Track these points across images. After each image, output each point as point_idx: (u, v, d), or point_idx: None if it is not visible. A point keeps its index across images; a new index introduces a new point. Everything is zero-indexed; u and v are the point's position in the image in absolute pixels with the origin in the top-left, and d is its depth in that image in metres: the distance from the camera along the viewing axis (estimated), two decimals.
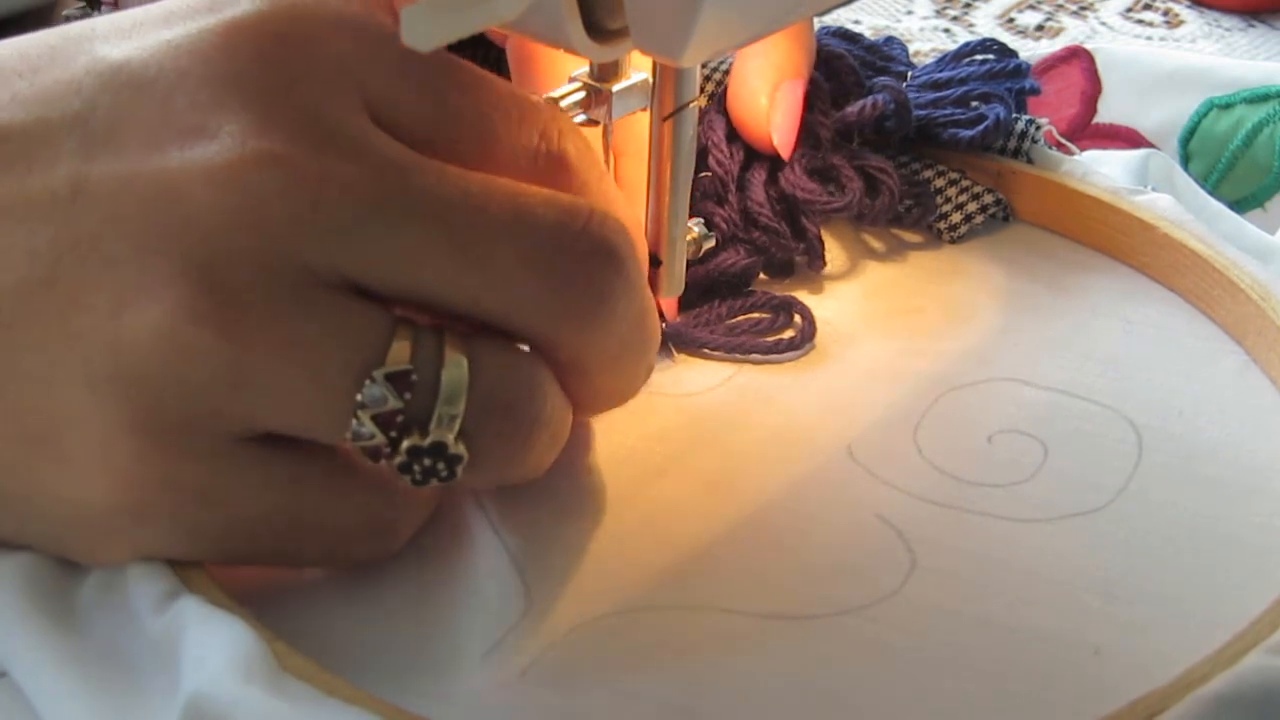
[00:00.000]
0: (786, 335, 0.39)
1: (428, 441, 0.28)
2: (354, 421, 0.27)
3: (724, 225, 0.41)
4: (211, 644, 0.26)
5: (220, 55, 0.27)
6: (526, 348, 0.30)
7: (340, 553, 0.30)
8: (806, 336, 0.39)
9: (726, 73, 0.43)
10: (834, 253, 0.42)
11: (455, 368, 0.28)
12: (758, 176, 0.41)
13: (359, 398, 0.27)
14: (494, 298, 0.28)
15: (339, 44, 0.28)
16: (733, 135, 0.42)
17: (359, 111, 0.28)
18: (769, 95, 0.40)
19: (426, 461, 0.28)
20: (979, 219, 0.43)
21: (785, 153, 0.40)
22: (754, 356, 0.39)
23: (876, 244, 0.44)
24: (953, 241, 0.44)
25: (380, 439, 0.27)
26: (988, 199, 0.43)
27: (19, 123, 0.27)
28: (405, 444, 0.28)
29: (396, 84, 0.28)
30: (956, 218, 0.43)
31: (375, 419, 0.27)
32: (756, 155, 0.42)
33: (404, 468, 0.28)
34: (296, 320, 0.26)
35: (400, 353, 0.27)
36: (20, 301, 0.26)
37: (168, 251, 0.26)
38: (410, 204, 0.27)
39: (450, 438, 0.28)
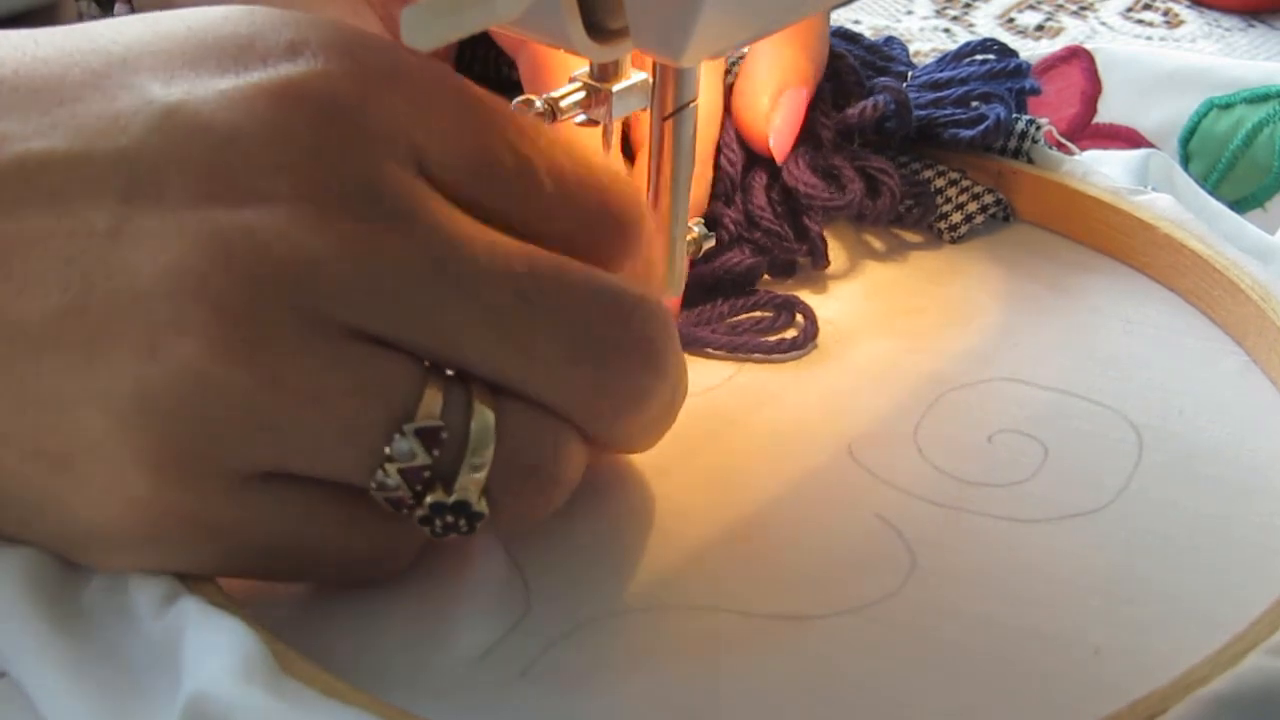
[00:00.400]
0: (789, 335, 0.39)
1: (451, 499, 0.28)
2: (380, 473, 0.27)
3: (731, 225, 0.41)
4: (212, 645, 0.26)
5: (275, 115, 0.27)
6: None
7: (344, 576, 0.30)
8: (809, 336, 0.39)
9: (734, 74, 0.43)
10: (835, 253, 0.42)
11: (481, 419, 0.28)
12: (759, 180, 0.41)
13: (387, 450, 0.27)
14: (531, 381, 0.28)
15: (392, 104, 0.28)
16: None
17: (411, 175, 0.27)
18: (772, 97, 0.40)
19: (449, 518, 0.28)
20: (979, 219, 0.43)
21: (780, 156, 0.40)
22: (755, 356, 0.39)
23: (877, 244, 0.44)
24: (953, 241, 0.44)
25: (405, 492, 0.27)
26: (988, 199, 0.43)
27: (61, 152, 0.27)
28: (429, 499, 0.28)
29: (447, 142, 0.28)
30: (957, 218, 0.43)
31: (402, 473, 0.27)
32: (758, 158, 0.42)
33: (425, 520, 0.28)
34: (330, 371, 0.26)
35: (431, 403, 0.27)
36: (50, 327, 0.26)
37: (205, 292, 0.26)
38: (454, 282, 0.27)
39: (474, 496, 0.28)
